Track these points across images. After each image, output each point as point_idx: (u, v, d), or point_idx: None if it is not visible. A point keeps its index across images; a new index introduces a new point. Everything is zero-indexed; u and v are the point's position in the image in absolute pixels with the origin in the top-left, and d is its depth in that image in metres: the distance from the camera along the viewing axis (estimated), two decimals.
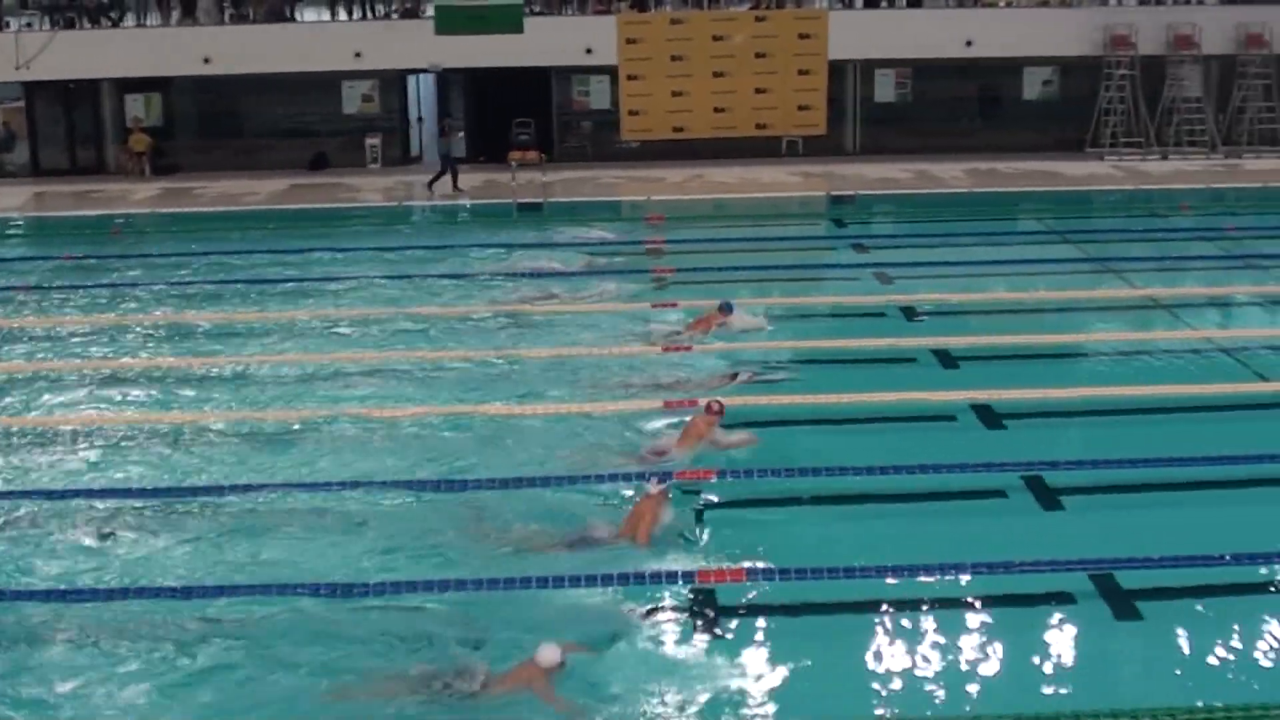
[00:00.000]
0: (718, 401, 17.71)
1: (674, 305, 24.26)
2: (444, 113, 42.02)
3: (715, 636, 13.04)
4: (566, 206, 34.36)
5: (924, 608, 13.69)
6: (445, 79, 41.60)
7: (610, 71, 39.54)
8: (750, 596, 13.78)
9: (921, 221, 32.64)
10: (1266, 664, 12.75)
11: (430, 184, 36.36)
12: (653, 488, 15.20)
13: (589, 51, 39.02)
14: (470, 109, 41.28)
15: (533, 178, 36.04)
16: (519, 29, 37.55)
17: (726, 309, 22.68)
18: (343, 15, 42.00)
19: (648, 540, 14.69)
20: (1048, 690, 12.20)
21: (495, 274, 26.85)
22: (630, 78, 39.19)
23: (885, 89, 41.19)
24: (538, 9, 40.70)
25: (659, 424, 18.30)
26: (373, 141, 40.18)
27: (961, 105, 42.09)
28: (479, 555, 14.69)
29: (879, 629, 13.28)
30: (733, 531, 15.28)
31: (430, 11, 38.92)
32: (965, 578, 14.12)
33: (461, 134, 38.26)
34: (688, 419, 17.79)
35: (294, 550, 14.95)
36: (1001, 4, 41.53)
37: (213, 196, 36.43)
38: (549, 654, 12.03)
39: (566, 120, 40.59)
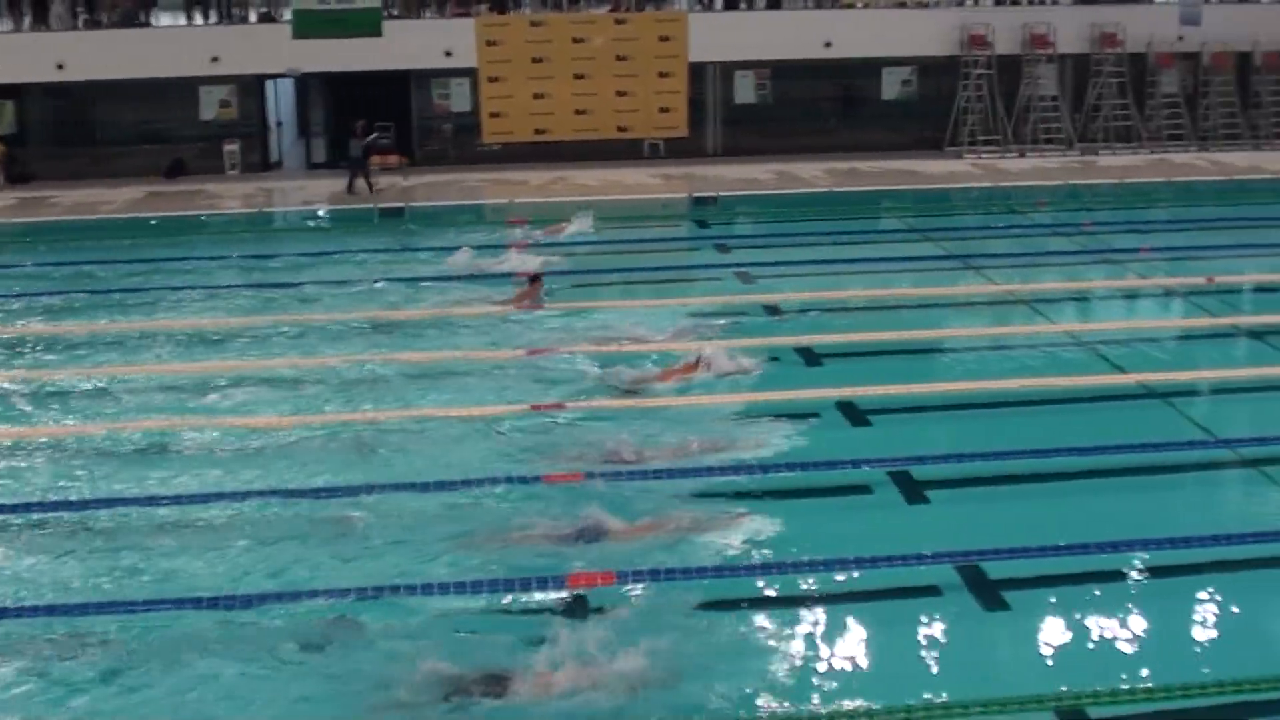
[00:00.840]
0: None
1: (540, 308, 24.14)
2: (303, 118, 41.57)
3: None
4: (429, 211, 34.12)
5: (794, 604, 13.69)
6: (304, 83, 41.13)
7: (470, 74, 39.31)
8: (623, 596, 13.71)
9: (783, 221, 32.77)
10: (1130, 650, 12.92)
11: (356, 185, 36.17)
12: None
13: (448, 54, 38.79)
14: (329, 114, 40.85)
15: (394, 182, 35.77)
16: (377, 32, 37.25)
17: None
18: (199, 20, 41.34)
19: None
20: (916, 682, 12.21)
21: (362, 280, 26.57)
22: (491, 80, 39.01)
23: (745, 90, 41.35)
24: (396, 12, 40.36)
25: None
26: (231, 148, 39.57)
27: (822, 105, 42.38)
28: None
29: (745, 626, 13.26)
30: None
31: (288, 15, 38.49)
32: (836, 574, 14.14)
33: (375, 135, 37.55)
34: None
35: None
36: (860, 5, 41.82)
37: (69, 205, 35.66)
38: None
39: (427, 124, 40.28)
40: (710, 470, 16.74)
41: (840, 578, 14.11)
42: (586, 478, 16.35)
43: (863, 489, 16.55)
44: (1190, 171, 39.04)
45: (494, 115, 39.05)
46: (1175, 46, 41.78)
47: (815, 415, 18.96)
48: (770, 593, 13.90)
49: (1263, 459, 17.49)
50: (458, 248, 28.39)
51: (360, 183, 36.03)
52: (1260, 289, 26.67)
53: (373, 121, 37.56)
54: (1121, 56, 41.60)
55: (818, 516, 15.92)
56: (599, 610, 13.40)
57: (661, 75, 39.45)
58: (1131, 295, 26.70)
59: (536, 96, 39.02)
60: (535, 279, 24.83)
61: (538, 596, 13.70)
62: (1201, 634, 13.36)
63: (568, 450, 17.49)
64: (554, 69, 39.01)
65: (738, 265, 27.87)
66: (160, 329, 23.50)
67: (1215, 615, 13.74)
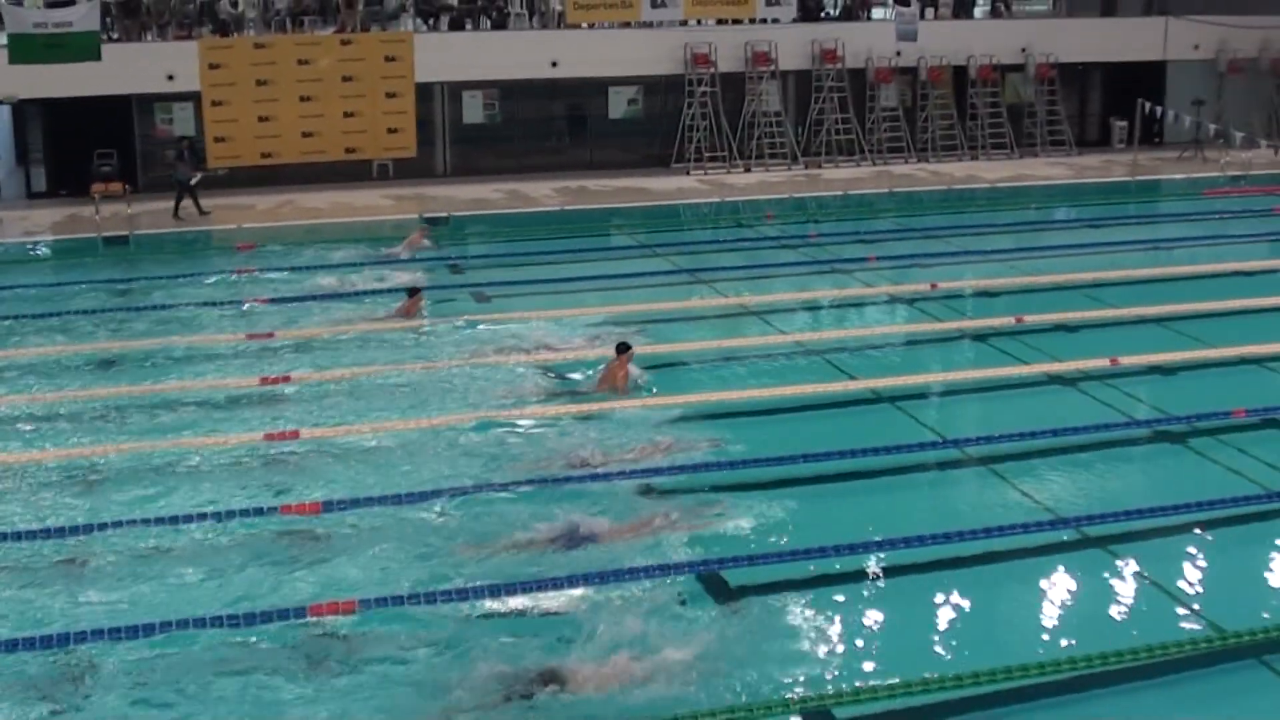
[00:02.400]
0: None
1: (271, 336, 23.69)
2: (21, 146, 40.13)
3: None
4: (154, 239, 33.13)
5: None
6: (21, 110, 39.71)
7: (194, 98, 38.34)
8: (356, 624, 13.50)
9: (516, 240, 32.59)
10: (872, 648, 13.09)
11: (182, 207, 35.18)
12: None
13: (171, 78, 37.74)
14: (49, 141, 39.48)
15: (117, 210, 34.73)
16: (96, 57, 35.96)
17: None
18: None
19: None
20: (669, 689, 12.27)
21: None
22: (215, 104, 38.09)
23: (474, 110, 41.18)
24: (116, 36, 39.29)
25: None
26: None
27: (550, 125, 42.49)
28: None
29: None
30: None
31: (2, 40, 37.14)
32: (578, 589, 14.14)
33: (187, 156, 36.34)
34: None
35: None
36: (585, 25, 41.94)
37: None
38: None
39: (151, 149, 39.26)
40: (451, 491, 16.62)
41: (582, 591, 14.09)
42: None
43: (606, 497, 16.56)
44: (911, 182, 40.03)
45: (219, 139, 38.11)
46: (894, 61, 42.80)
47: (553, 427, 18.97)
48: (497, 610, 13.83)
49: (991, 457, 17.99)
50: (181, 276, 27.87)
51: (189, 206, 35.10)
52: (981, 294, 27.40)
53: (93, 148, 36.44)
54: (842, 72, 42.48)
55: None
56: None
57: (389, 96, 39.01)
58: (859, 304, 27.20)
59: (262, 119, 38.23)
60: (415, 292, 25.32)
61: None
62: (939, 630, 13.61)
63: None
64: (280, 91, 38.29)
65: (472, 286, 27.63)
66: None
67: (953, 611, 14.01)
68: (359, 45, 39.13)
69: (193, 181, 35.23)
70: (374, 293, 26.75)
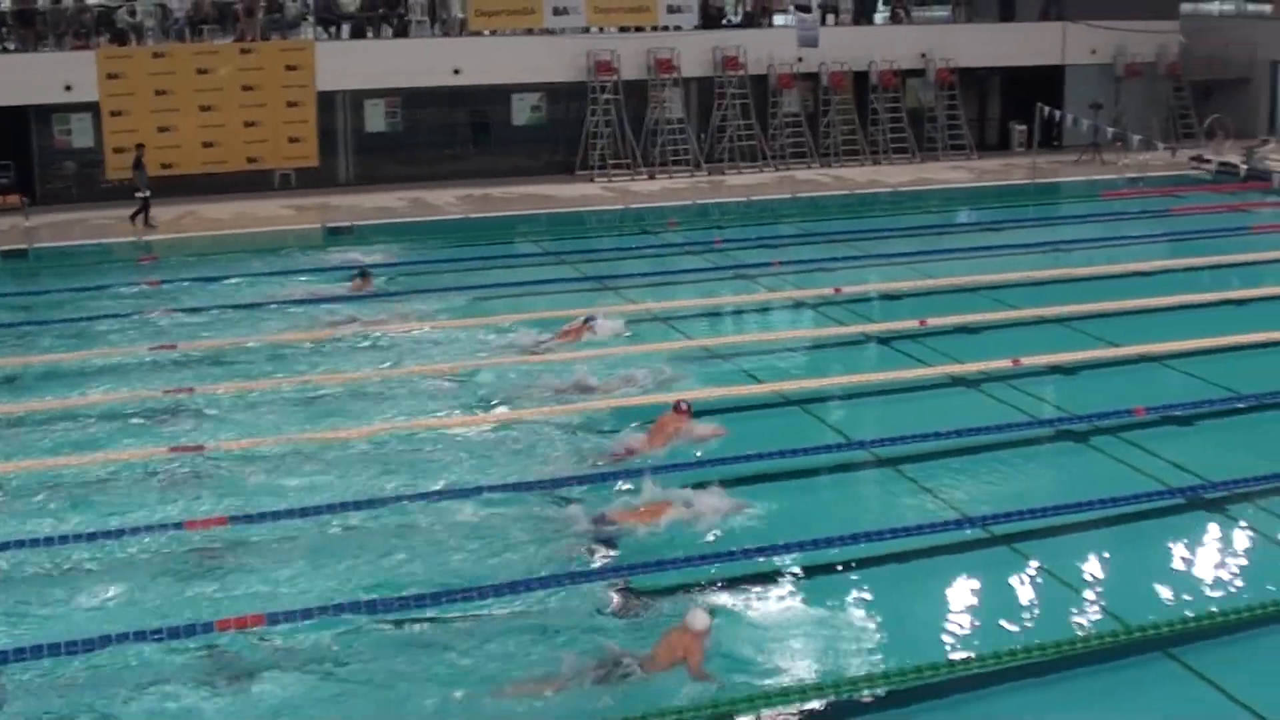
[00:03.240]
0: (685, 401, 18.88)
1: (174, 347, 23.47)
2: None
3: None
4: (55, 251, 32.66)
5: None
6: None
7: (93, 108, 37.93)
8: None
9: (420, 249, 32.40)
10: (782, 650, 13.15)
11: (137, 219, 34.80)
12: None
13: (68, 88, 37.29)
14: None
15: (15, 223, 34.23)
16: None
17: (591, 320, 24.02)
18: None
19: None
20: (579, 703, 12.25)
21: None
22: (113, 114, 37.68)
23: (376, 118, 41.02)
24: (12, 46, 38.81)
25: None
26: None
27: (453, 132, 42.39)
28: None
29: None
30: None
31: None
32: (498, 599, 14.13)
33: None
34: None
35: None
36: (487, 33, 41.86)
37: None
38: (700, 618, 12.69)
39: (49, 161, 38.76)
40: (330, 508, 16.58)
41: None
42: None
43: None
44: (814, 187, 40.25)
45: (118, 150, 37.63)
46: (795, 68, 43.06)
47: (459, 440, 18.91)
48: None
49: (896, 458, 18.12)
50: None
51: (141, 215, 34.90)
52: (885, 297, 27.58)
53: None
54: (744, 79, 42.66)
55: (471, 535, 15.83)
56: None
57: (290, 105, 38.78)
58: (764, 308, 27.33)
59: (162, 130, 37.81)
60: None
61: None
62: (846, 631, 13.65)
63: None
64: (179, 101, 37.92)
65: (378, 295, 27.41)
66: None
67: (860, 612, 14.09)
68: (259, 54, 38.88)
69: (144, 192, 34.94)
70: (278, 304, 26.58)
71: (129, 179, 35.64)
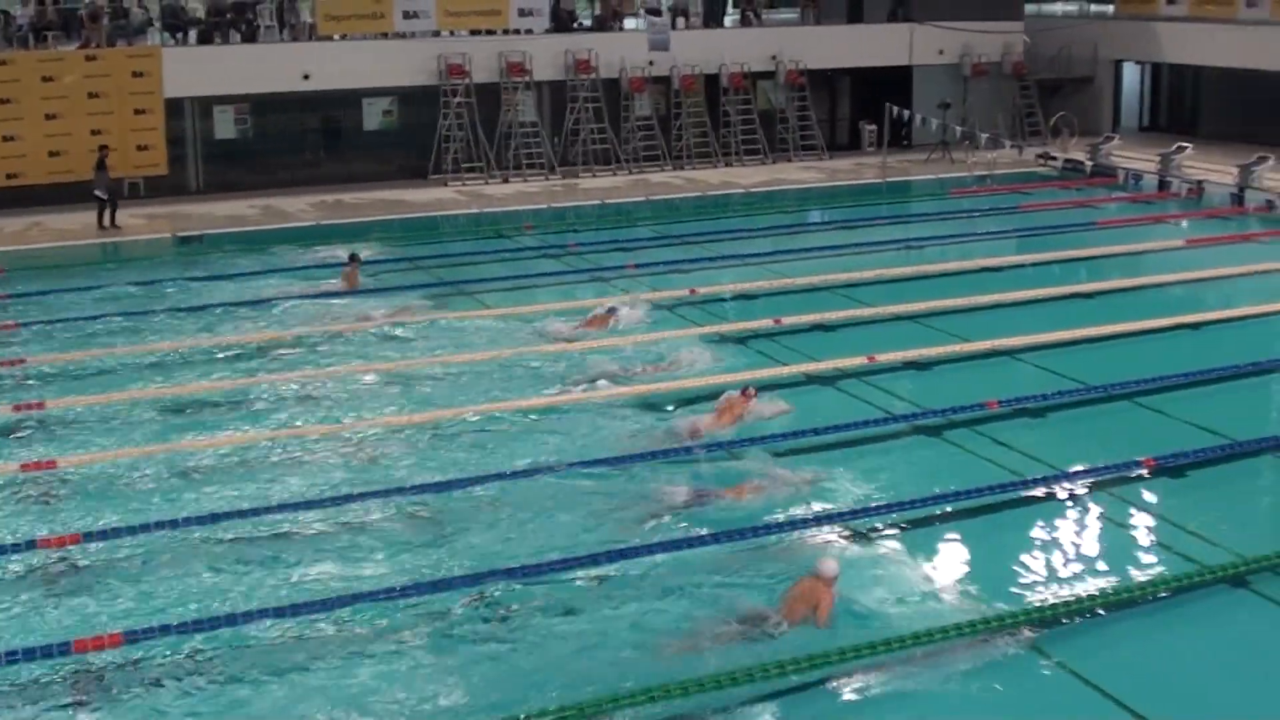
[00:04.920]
0: (752, 386, 19.71)
1: (22, 362, 23.03)
2: None
3: None
4: None
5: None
6: None
7: None
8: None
9: (272, 256, 31.95)
10: (631, 649, 13.20)
11: (104, 219, 34.59)
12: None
13: None
14: None
15: None
16: None
17: (614, 310, 25.16)
18: None
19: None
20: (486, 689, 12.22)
21: None
22: None
23: (225, 125, 40.55)
24: None
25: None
26: None
27: (304, 138, 42.06)
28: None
29: None
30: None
31: None
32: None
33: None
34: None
35: None
36: (337, 37, 41.56)
37: None
38: (831, 566, 13.63)
39: None
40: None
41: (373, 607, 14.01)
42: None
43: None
44: (668, 190, 40.43)
45: None
46: (647, 71, 43.21)
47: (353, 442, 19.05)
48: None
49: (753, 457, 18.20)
50: None
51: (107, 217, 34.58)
52: (740, 297, 27.75)
53: None
54: (596, 82, 42.75)
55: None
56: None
57: (137, 112, 38.16)
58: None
59: (6, 139, 37.07)
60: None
61: None
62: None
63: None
64: (23, 110, 37.18)
65: (226, 305, 27.04)
66: None
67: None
68: (105, 61, 38.25)
69: (103, 193, 34.62)
70: (131, 314, 26.18)
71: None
